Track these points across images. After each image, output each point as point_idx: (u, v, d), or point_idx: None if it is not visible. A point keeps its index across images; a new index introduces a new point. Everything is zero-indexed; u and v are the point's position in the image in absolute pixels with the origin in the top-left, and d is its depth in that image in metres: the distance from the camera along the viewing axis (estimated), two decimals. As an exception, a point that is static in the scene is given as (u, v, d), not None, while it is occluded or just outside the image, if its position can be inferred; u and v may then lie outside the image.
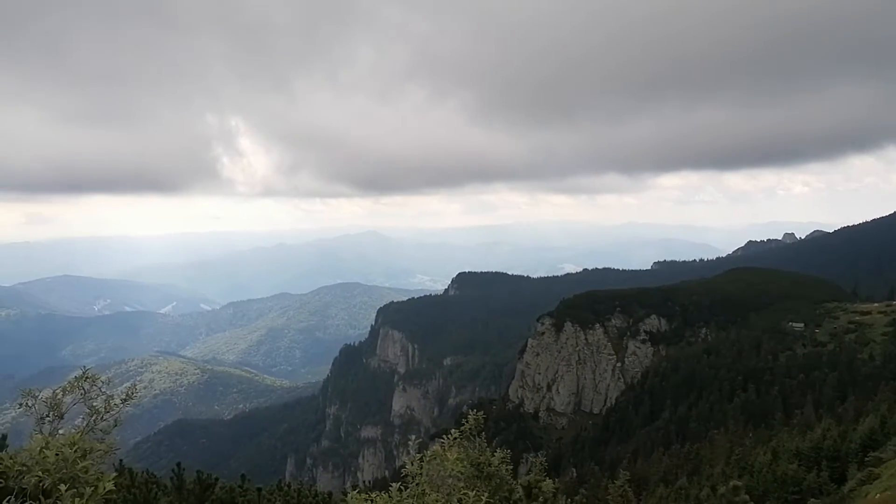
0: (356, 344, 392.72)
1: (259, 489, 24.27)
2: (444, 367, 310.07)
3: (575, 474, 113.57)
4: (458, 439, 9.32)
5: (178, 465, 25.02)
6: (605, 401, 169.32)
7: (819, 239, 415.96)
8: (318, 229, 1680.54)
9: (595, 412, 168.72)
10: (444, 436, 9.23)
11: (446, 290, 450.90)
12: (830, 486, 48.28)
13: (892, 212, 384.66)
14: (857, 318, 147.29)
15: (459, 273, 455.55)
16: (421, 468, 8.30)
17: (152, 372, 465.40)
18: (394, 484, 8.18)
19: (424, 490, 8.24)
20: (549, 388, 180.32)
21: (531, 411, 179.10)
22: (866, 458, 48.46)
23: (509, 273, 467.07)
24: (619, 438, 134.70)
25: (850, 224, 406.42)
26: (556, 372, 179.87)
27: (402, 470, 9.08)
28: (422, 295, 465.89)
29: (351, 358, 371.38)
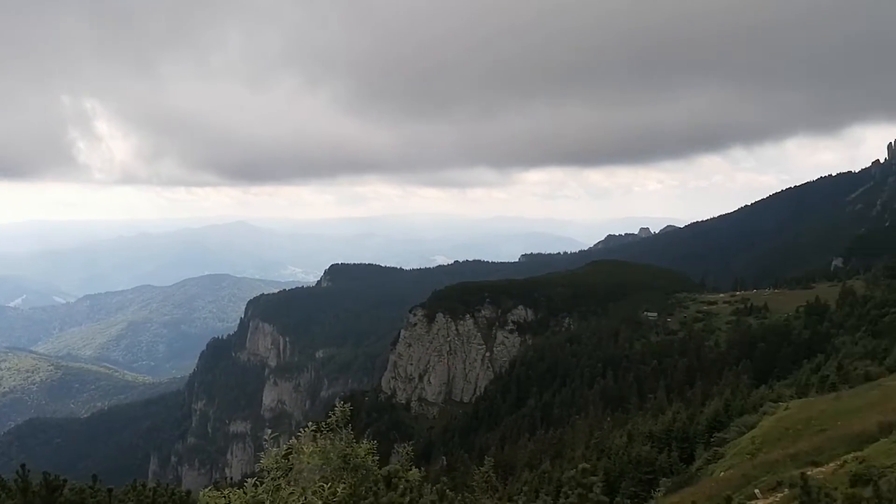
0: (224, 337, 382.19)
1: (110, 490, 22.84)
2: (316, 360, 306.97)
3: (445, 462, 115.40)
4: (316, 433, 9.23)
5: (23, 466, 23.13)
6: (475, 389, 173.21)
7: (672, 233, 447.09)
8: (183, 218, 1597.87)
9: (465, 401, 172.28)
10: (302, 430, 9.12)
11: (319, 282, 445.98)
12: (680, 465, 51.96)
13: (736, 208, 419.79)
14: (705, 307, 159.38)
15: (332, 265, 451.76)
16: (276, 462, 8.14)
17: (0, 369, 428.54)
18: (249, 479, 7.97)
19: (280, 485, 8.09)
20: (420, 378, 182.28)
21: (403, 402, 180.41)
22: (712, 439, 52.40)
23: (382, 265, 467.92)
24: (487, 426, 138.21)
25: (700, 219, 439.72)
26: (428, 362, 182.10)
27: (257, 465, 8.88)
28: (294, 287, 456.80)
29: (219, 352, 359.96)
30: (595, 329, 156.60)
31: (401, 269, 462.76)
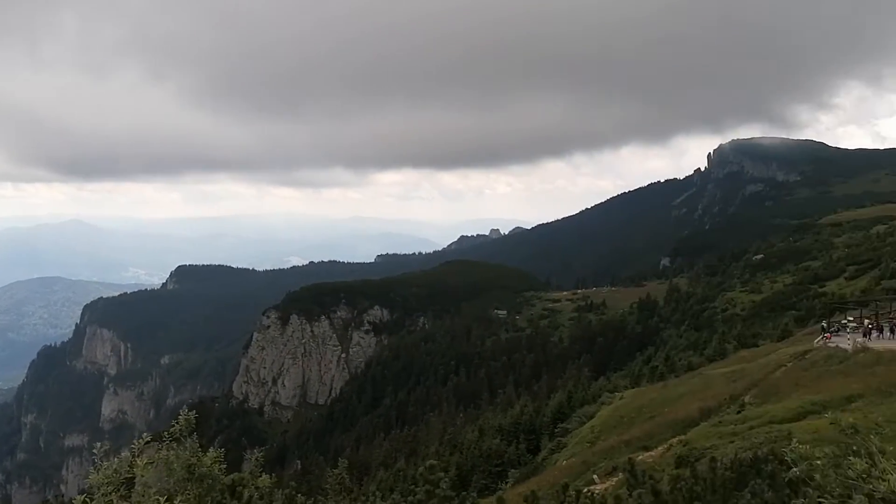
0: (58, 345, 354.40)
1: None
2: (161, 367, 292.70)
3: (299, 466, 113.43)
4: (155, 442, 8.98)
5: None
6: (331, 391, 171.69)
7: (519, 234, 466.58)
8: (9, 217, 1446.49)
9: (321, 403, 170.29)
10: (137, 441, 8.83)
11: (164, 285, 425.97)
12: (527, 456, 54.45)
13: (578, 211, 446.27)
14: (550, 305, 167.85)
15: (179, 266, 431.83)
16: (108, 477, 7.85)
17: None
18: (78, 497, 7.64)
19: (111, 501, 7.82)
20: (274, 381, 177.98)
21: (256, 406, 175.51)
22: (556, 430, 55.36)
23: (233, 266, 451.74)
24: (343, 427, 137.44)
25: (545, 221, 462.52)
26: (282, 365, 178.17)
27: (86, 480, 8.48)
28: (136, 290, 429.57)
29: (52, 360, 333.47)
30: (449, 328, 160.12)
31: (253, 270, 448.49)
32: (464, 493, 46.66)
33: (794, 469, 10.57)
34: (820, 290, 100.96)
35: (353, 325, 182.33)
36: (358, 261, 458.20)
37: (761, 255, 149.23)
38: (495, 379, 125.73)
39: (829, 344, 41.55)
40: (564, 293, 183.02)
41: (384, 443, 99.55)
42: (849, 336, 43.60)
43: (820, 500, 8.93)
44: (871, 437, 10.40)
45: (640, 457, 32.26)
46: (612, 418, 47.82)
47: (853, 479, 8.95)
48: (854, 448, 9.77)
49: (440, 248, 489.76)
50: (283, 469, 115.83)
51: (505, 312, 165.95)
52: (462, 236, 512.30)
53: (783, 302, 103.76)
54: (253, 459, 10.88)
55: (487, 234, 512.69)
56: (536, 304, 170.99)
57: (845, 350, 37.91)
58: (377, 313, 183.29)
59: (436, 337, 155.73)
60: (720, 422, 33.38)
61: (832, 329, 48.34)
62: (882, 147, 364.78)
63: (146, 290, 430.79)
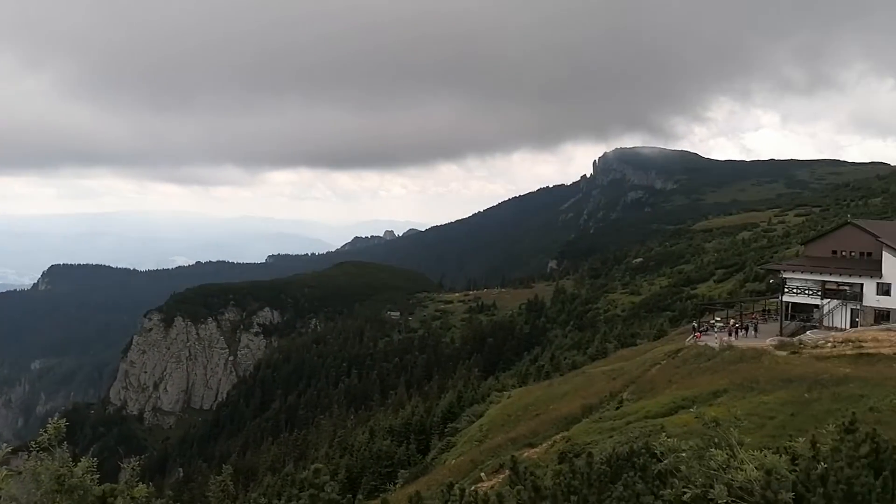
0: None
1: None
2: (31, 372, 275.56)
3: (181, 474, 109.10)
4: (15, 453, 8.47)
5: None
6: (217, 396, 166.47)
7: (413, 236, 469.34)
8: None
9: (206, 408, 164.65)
10: None
11: (35, 285, 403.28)
12: (418, 456, 54.80)
13: (471, 214, 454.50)
14: (443, 306, 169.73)
15: (52, 266, 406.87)
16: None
17: None
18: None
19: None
20: (156, 386, 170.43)
21: (135, 413, 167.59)
22: (446, 429, 56.08)
23: (113, 266, 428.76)
24: (229, 433, 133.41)
25: (439, 224, 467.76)
26: (165, 369, 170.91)
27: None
28: (3, 291, 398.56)
29: None
30: (341, 329, 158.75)
31: (135, 270, 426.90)
32: (350, 495, 46.47)
33: (662, 462, 11.31)
34: (692, 291, 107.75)
35: (241, 327, 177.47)
36: (248, 261, 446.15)
37: (640, 259, 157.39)
38: (387, 380, 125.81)
39: (699, 343, 44.34)
40: (457, 294, 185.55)
41: (272, 447, 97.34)
42: (716, 335, 46.68)
43: (684, 490, 9.63)
44: (731, 429, 11.30)
45: (526, 453, 33.28)
46: (499, 417, 48.92)
47: (714, 470, 9.72)
48: (716, 440, 10.60)
49: (334, 250, 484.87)
50: (165, 477, 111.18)
51: (398, 314, 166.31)
52: (356, 237, 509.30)
53: (659, 303, 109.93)
54: (129, 468, 10.41)
55: (382, 235, 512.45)
56: (429, 305, 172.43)
57: (713, 348, 40.61)
58: (267, 315, 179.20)
59: (328, 339, 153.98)
60: (600, 418, 34.97)
61: (702, 328, 51.58)
62: (748, 159, 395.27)
63: (14, 290, 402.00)
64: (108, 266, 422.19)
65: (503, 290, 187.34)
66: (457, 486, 12.55)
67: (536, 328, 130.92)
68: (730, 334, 46.61)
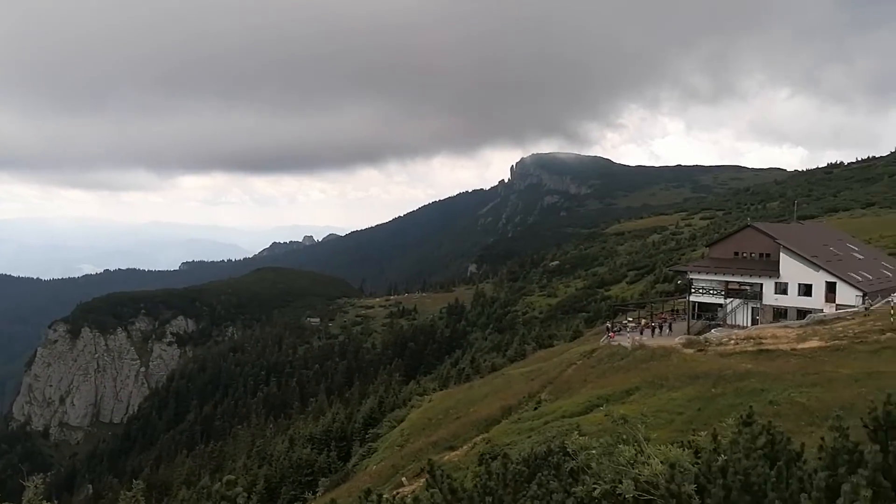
0: None
1: None
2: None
3: (91, 491, 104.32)
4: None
5: None
6: (128, 408, 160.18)
7: (333, 241, 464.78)
8: None
9: (116, 422, 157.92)
10: None
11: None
12: (339, 464, 54.28)
13: (391, 218, 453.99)
14: (364, 311, 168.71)
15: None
16: None
17: None
18: None
19: None
20: (62, 401, 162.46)
21: (40, 429, 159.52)
22: (367, 435, 55.84)
23: (14, 275, 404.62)
24: (142, 447, 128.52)
25: (359, 228, 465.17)
26: (72, 383, 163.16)
27: None
28: None
29: None
30: (259, 337, 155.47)
31: (38, 279, 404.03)
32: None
33: (574, 459, 11.76)
34: (606, 293, 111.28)
35: (153, 336, 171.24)
36: (160, 269, 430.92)
37: (557, 262, 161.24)
38: (307, 387, 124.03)
39: (613, 343, 45.85)
40: (377, 299, 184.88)
41: (187, 460, 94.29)
42: (628, 335, 48.42)
43: (595, 486, 10.05)
44: (639, 425, 11.86)
45: (447, 456, 33.56)
46: (420, 421, 49.13)
47: (623, 466, 10.18)
48: (624, 437, 11.10)
49: (251, 255, 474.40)
50: (73, 495, 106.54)
51: (318, 320, 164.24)
52: (274, 243, 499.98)
53: (575, 305, 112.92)
54: (33, 487, 10.00)
55: (301, 240, 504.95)
56: (350, 310, 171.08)
57: (626, 348, 42.08)
58: (181, 324, 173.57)
59: (245, 347, 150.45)
60: (519, 419, 35.65)
61: (615, 329, 53.41)
62: (657, 164, 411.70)
63: None
64: (9, 275, 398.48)
65: (424, 294, 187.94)
66: (374, 492, 12.64)
67: (457, 332, 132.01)
68: (641, 333, 48.42)
